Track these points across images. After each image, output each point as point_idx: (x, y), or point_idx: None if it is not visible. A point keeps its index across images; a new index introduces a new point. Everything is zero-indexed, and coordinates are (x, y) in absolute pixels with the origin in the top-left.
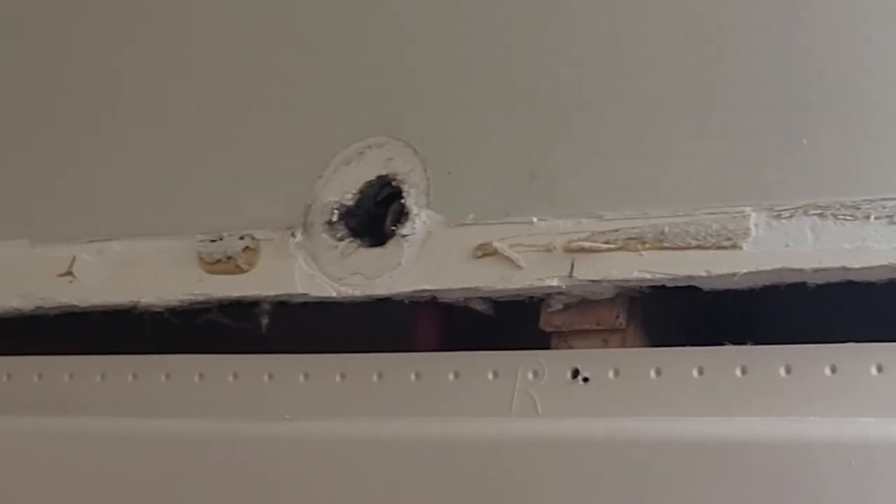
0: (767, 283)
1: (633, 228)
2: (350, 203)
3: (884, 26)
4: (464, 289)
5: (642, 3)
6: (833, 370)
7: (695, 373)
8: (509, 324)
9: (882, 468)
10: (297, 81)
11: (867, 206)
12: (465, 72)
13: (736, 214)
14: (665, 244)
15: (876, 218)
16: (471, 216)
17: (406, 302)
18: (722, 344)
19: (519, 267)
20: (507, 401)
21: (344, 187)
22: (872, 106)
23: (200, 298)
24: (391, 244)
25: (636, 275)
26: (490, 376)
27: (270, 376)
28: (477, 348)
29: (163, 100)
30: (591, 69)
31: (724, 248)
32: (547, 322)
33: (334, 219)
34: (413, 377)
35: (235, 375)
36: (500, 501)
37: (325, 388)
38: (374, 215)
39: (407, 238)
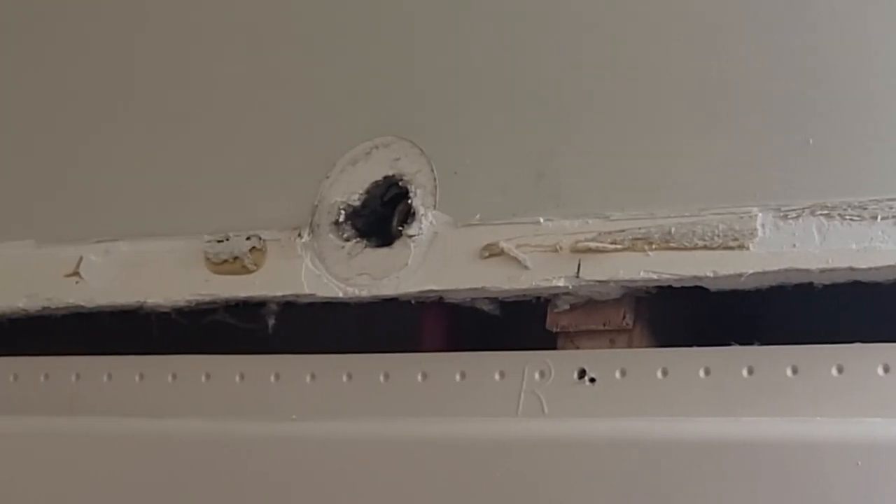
0: (774, 284)
1: (639, 229)
2: (357, 203)
3: (890, 27)
4: (470, 289)
5: (648, 4)
6: (840, 370)
7: (701, 373)
8: (516, 324)
9: (889, 468)
10: (304, 81)
11: (874, 207)
12: (472, 72)
13: (743, 215)
14: (672, 244)
15: (883, 218)
16: (477, 216)
17: (412, 302)
18: (728, 344)
19: (525, 267)
20: (513, 401)
21: (350, 187)
22: (879, 106)
23: (207, 299)
24: (398, 244)
25: (643, 275)
26: (497, 376)
27: (277, 376)
28: (483, 348)
29: (169, 100)
30: (597, 70)
31: (731, 248)
32: (553, 322)
33: (341, 219)
34: (419, 377)
35: (242, 376)
36: (506, 502)
37: (331, 389)
38: (381, 216)
39: (413, 238)
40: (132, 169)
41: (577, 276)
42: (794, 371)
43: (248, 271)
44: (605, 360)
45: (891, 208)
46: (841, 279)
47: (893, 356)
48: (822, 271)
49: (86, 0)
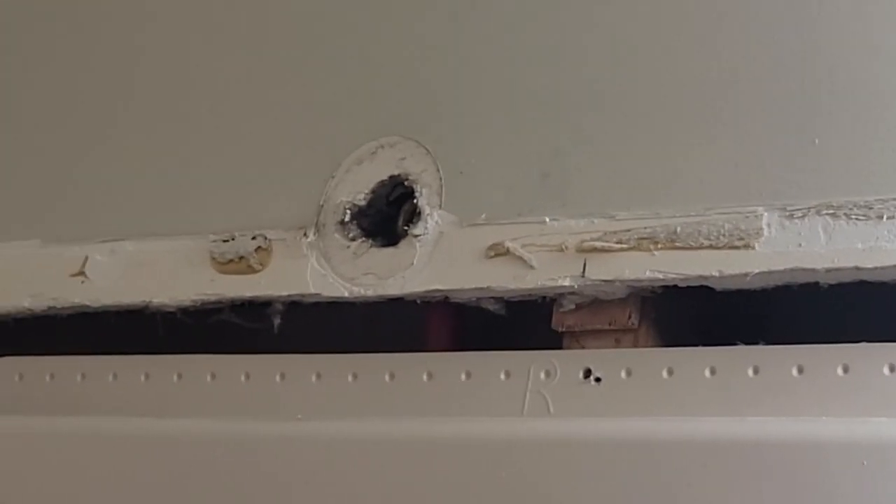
0: (780, 283)
1: (645, 228)
2: (362, 203)
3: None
4: (476, 289)
5: (653, 4)
6: (845, 370)
7: (707, 373)
8: (521, 324)
9: (894, 468)
10: (309, 81)
11: (880, 206)
12: (478, 72)
13: (748, 214)
14: (677, 244)
15: (889, 218)
16: (483, 216)
17: (418, 302)
18: (734, 344)
19: (531, 267)
20: (519, 401)
21: (356, 187)
22: (884, 106)
23: (212, 298)
24: (403, 244)
25: (648, 275)
26: (502, 376)
27: (282, 376)
28: (489, 348)
29: (174, 100)
30: (603, 69)
31: (737, 248)
32: (559, 322)
33: (346, 219)
34: (425, 377)
35: (247, 375)
36: (512, 501)
37: (337, 388)
38: (387, 215)
39: (419, 238)
40: (137, 169)
41: (583, 276)
42: (800, 371)
43: (254, 271)
44: (610, 360)
45: None
46: (847, 279)
47: None
48: (828, 271)
49: (91, 1)
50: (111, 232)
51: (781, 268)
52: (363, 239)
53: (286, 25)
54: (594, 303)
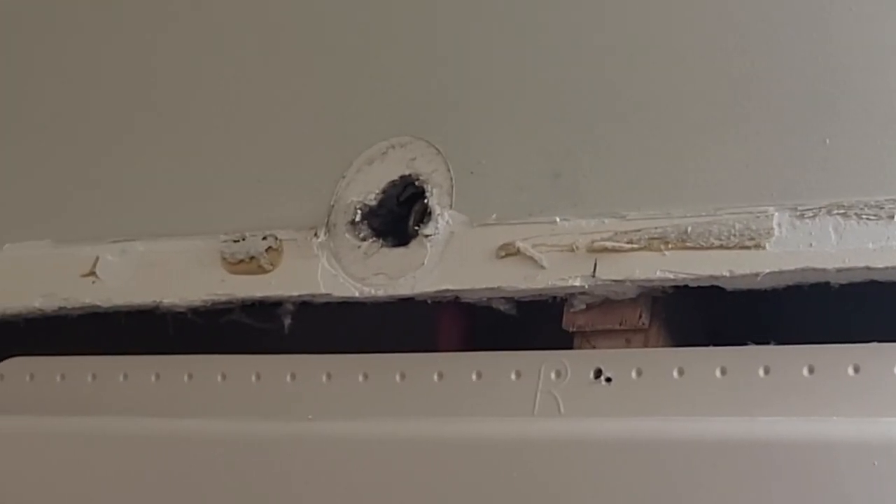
0: (790, 283)
1: (655, 228)
2: (373, 203)
3: None
4: (487, 289)
5: (665, 5)
6: (856, 370)
7: (717, 373)
8: (532, 324)
9: None
10: (320, 82)
11: (891, 206)
12: (488, 72)
13: (759, 214)
14: (688, 244)
15: None
16: (494, 216)
17: (429, 302)
18: (745, 344)
19: (542, 267)
20: (529, 401)
21: (367, 187)
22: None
23: (223, 298)
24: (414, 244)
25: (659, 275)
26: (513, 376)
27: (293, 376)
28: (500, 348)
29: (186, 101)
30: (614, 70)
31: (748, 247)
32: (570, 322)
33: (357, 219)
34: (436, 377)
35: (258, 375)
36: (523, 501)
37: (347, 389)
38: (397, 215)
39: (430, 238)
40: (148, 169)
41: (594, 276)
42: (811, 371)
43: (265, 271)
44: (621, 360)
45: None
46: (857, 278)
47: None
48: (839, 271)
49: (104, 3)
50: (122, 232)
51: (792, 268)
52: (374, 239)
53: (296, 26)
54: (605, 303)
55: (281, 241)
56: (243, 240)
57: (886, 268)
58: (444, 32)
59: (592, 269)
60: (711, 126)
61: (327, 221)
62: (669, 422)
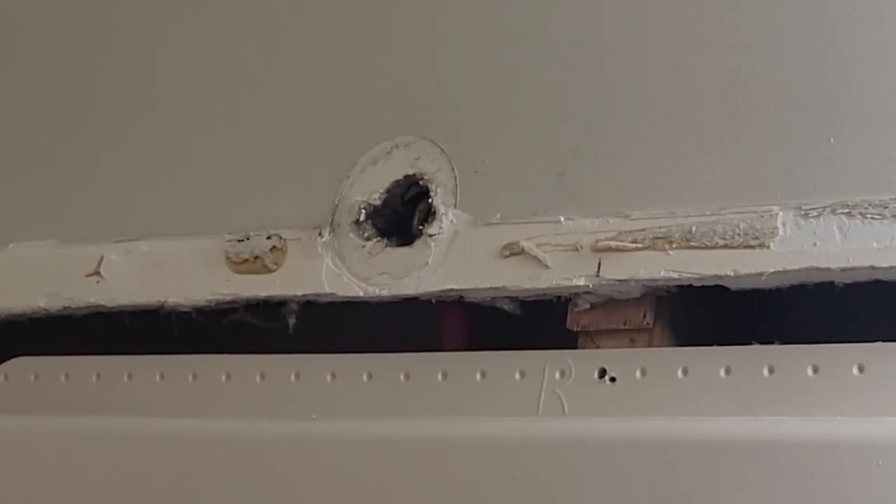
0: (795, 283)
1: (660, 228)
2: (377, 202)
3: None
4: (491, 288)
5: (670, 3)
6: (861, 370)
7: (722, 372)
8: (536, 323)
9: None
10: (324, 81)
11: (895, 205)
12: (493, 71)
13: (763, 214)
14: (692, 243)
15: None
16: (498, 215)
17: (433, 301)
18: (749, 343)
19: (546, 266)
20: (534, 400)
21: (371, 187)
22: None
23: (228, 298)
24: (418, 244)
25: (663, 274)
26: (517, 376)
27: (297, 376)
28: (504, 348)
29: (190, 99)
30: (619, 69)
31: (752, 247)
32: (574, 321)
33: (361, 218)
34: (440, 377)
35: (262, 375)
36: (527, 501)
37: (352, 388)
38: (402, 215)
39: (434, 237)
40: (153, 168)
41: (598, 276)
42: (815, 370)
43: (269, 271)
44: (625, 360)
45: None
46: (862, 278)
47: None
48: (843, 270)
49: (107, 3)
50: (126, 232)
51: (796, 267)
52: (378, 238)
53: (300, 25)
54: (609, 302)
55: (285, 240)
56: (248, 239)
57: (891, 267)
58: (448, 32)
59: (597, 269)
60: (716, 125)
61: (331, 221)
62: (674, 421)
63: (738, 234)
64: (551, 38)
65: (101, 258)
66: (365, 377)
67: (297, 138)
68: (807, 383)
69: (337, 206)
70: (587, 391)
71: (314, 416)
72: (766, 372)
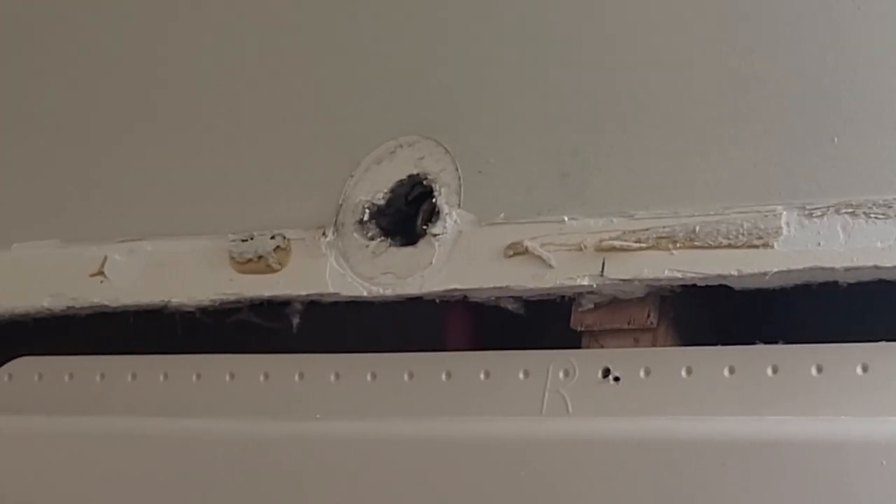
0: (799, 282)
1: (664, 227)
2: (381, 202)
3: None
4: (495, 288)
5: (673, 3)
6: (864, 369)
7: (726, 372)
8: (540, 323)
9: None
10: (328, 81)
11: None
12: (497, 71)
13: (767, 213)
14: (696, 243)
15: None
16: (502, 215)
17: (437, 301)
18: (753, 343)
19: (550, 266)
20: (537, 400)
21: (375, 186)
22: None
23: (231, 298)
24: (422, 243)
25: (667, 274)
26: (521, 376)
27: (301, 376)
28: (508, 347)
29: (194, 99)
30: (622, 69)
31: (756, 247)
32: (578, 321)
33: (365, 218)
34: (444, 377)
35: (266, 375)
36: (531, 501)
37: (355, 388)
38: (405, 214)
39: (438, 237)
40: (156, 169)
41: (602, 275)
42: (819, 370)
43: (273, 270)
44: (629, 359)
45: None
46: (866, 277)
47: None
48: (847, 270)
49: (110, 3)
50: (130, 232)
51: (800, 267)
52: (382, 238)
53: (303, 25)
54: (613, 302)
55: (289, 240)
56: (251, 239)
57: (895, 267)
58: (452, 32)
59: (600, 269)
60: (719, 125)
61: (335, 221)
62: (678, 421)
63: (742, 234)
64: (555, 39)
65: (105, 258)
66: (369, 377)
67: (300, 138)
68: (810, 383)
69: (341, 205)
70: (591, 391)
71: (318, 415)
72: (769, 371)
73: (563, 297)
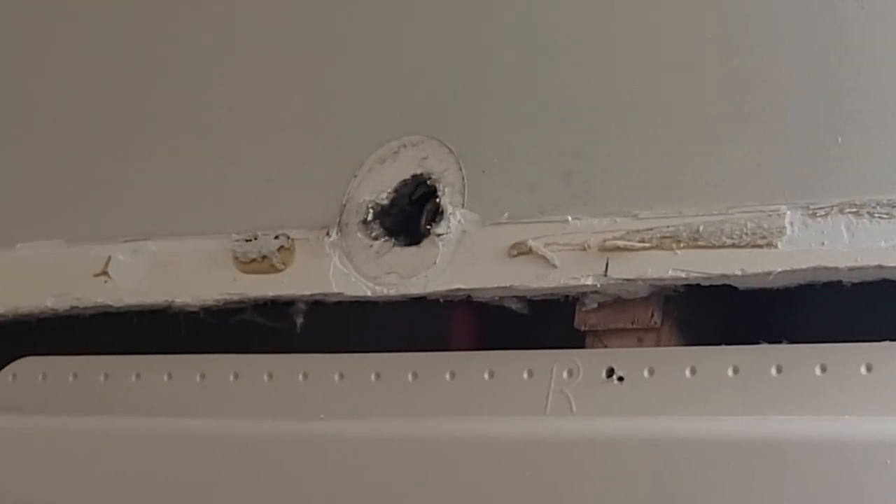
0: (803, 282)
1: (667, 227)
2: (385, 202)
3: None
4: (499, 288)
5: (677, 3)
6: (869, 369)
7: (730, 372)
8: (544, 323)
9: None
10: (332, 80)
11: None
12: (501, 70)
13: (771, 213)
14: (700, 243)
15: None
16: (505, 215)
17: (441, 301)
18: (757, 343)
19: (554, 266)
20: (541, 400)
21: (379, 186)
22: None
23: (235, 298)
24: (426, 243)
25: (671, 273)
26: (525, 375)
27: (305, 376)
28: (512, 347)
29: (198, 99)
30: (626, 68)
31: (760, 246)
32: (582, 321)
33: (369, 218)
34: (448, 376)
35: (270, 375)
36: (535, 501)
37: (359, 388)
38: (409, 214)
39: (442, 237)
40: (160, 168)
41: (606, 275)
42: (823, 369)
43: (277, 270)
44: (633, 359)
45: None
46: (870, 277)
47: None
48: (851, 269)
49: (114, 3)
50: (134, 232)
51: (804, 266)
52: (386, 238)
53: (307, 25)
54: (617, 302)
55: (293, 240)
56: (255, 239)
57: None
58: (455, 31)
59: (604, 268)
60: (723, 125)
61: (339, 221)
62: (682, 421)
63: (746, 234)
64: (559, 39)
65: (109, 258)
66: (373, 377)
67: (304, 138)
68: (815, 383)
69: (345, 205)
70: (595, 391)
71: (322, 415)
72: (774, 371)
73: (566, 296)
